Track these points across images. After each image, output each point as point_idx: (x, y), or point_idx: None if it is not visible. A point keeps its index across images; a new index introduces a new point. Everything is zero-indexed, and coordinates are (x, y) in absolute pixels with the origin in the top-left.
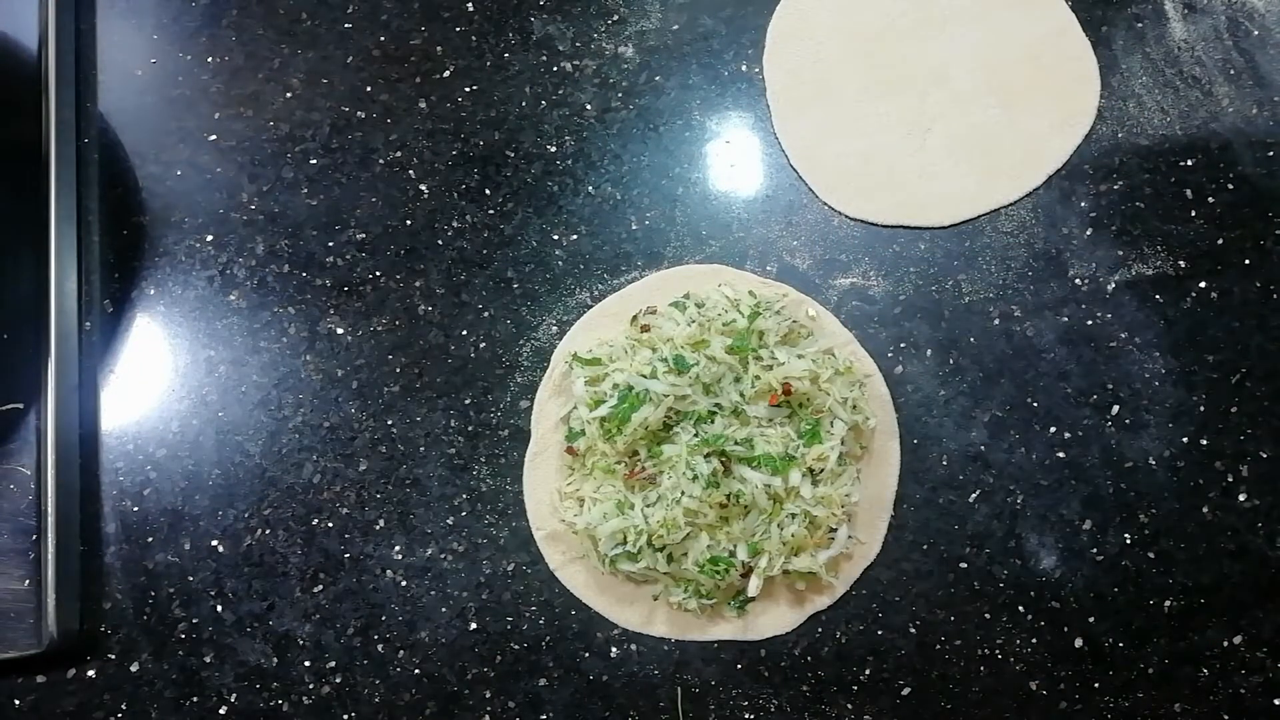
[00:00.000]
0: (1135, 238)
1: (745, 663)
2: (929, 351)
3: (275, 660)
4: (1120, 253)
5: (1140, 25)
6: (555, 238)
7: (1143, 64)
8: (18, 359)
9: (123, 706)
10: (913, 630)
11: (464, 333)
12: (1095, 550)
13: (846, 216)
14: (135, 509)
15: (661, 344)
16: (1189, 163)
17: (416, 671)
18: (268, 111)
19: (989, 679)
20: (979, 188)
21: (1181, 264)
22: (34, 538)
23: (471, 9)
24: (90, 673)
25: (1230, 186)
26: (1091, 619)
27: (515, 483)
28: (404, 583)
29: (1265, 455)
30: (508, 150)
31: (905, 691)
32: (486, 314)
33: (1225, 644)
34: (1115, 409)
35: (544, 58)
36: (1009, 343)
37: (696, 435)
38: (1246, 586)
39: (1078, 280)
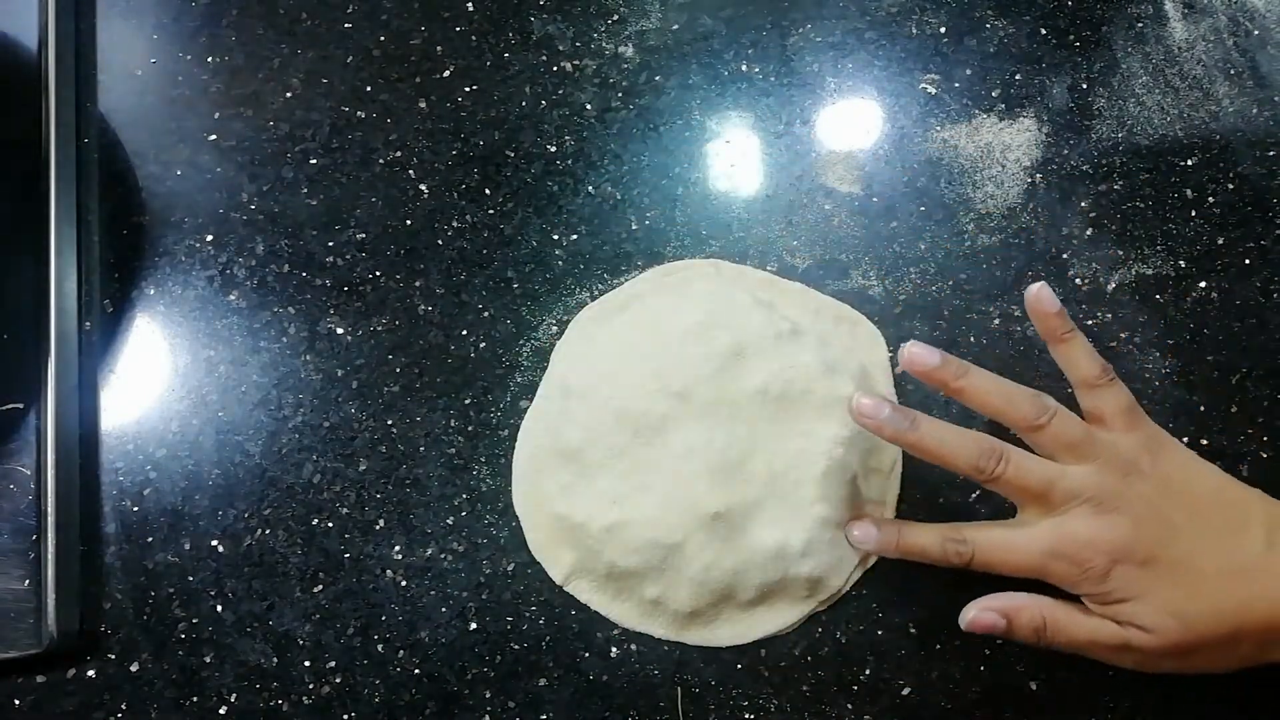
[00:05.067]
0: (1135, 238)
1: (745, 663)
2: None
3: (275, 660)
4: (1120, 253)
5: (1140, 25)
6: (555, 238)
7: (1143, 64)
8: (18, 359)
9: (123, 706)
10: (913, 630)
11: (464, 333)
12: None
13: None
14: (135, 509)
15: None
16: (1189, 163)
17: (416, 671)
18: (268, 111)
19: (989, 679)
20: None
21: (1181, 264)
22: (34, 538)
23: (471, 9)
24: (90, 673)
25: (1230, 186)
26: None
27: None
28: (404, 583)
29: (1265, 455)
30: (508, 150)
31: (905, 691)
32: (486, 314)
33: None
34: None
35: (544, 58)
36: (1009, 343)
37: None
38: None
39: (1078, 280)
